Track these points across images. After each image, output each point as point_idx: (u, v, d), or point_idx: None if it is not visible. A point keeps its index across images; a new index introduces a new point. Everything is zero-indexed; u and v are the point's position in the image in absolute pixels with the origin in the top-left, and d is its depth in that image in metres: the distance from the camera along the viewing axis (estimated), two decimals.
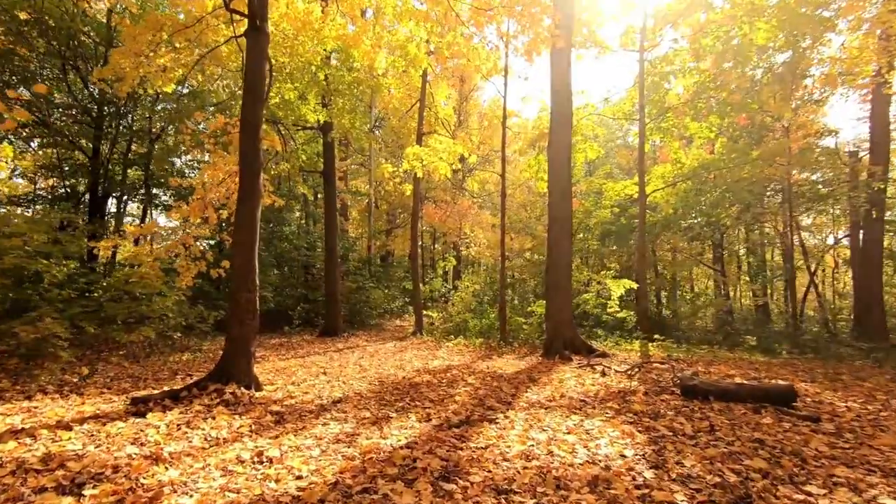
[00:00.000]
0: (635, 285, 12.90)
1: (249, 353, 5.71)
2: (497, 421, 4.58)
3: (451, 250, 25.92)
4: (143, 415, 4.51)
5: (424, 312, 15.42)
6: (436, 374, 7.46)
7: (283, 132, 14.25)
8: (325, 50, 11.10)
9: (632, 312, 12.82)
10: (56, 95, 15.63)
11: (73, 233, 9.70)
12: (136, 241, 11.27)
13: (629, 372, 7.10)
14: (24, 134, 15.59)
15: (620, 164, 26.84)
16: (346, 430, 4.31)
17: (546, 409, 5.09)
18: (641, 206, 13.56)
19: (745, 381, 5.99)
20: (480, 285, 17.25)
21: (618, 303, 13.09)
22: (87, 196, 15.54)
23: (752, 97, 12.85)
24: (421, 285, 15.21)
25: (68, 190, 17.02)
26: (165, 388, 5.68)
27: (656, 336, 11.03)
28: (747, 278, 19.12)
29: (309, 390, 6.07)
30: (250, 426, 4.33)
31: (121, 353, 8.27)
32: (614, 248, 19.31)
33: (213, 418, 4.43)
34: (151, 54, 8.36)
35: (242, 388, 5.47)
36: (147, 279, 9.01)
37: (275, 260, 16.92)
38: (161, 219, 15.31)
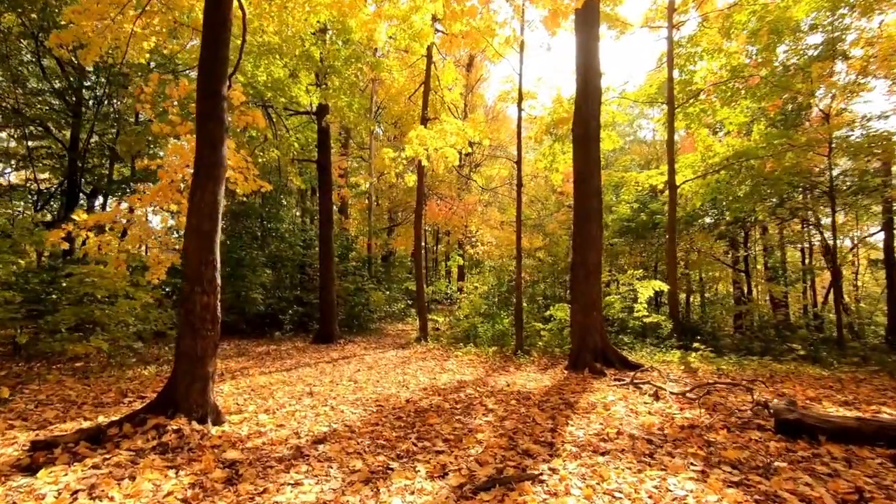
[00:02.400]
0: (665, 287, 11.52)
1: (206, 373, 4.35)
2: (543, 479, 3.21)
3: (457, 249, 24.57)
4: (35, 469, 3.15)
5: (429, 316, 14.05)
6: (447, 396, 6.09)
7: (272, 117, 12.92)
8: (318, 21, 9.79)
9: (663, 317, 11.44)
10: (29, 79, 14.36)
11: (36, 228, 8.39)
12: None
13: (688, 394, 5.72)
14: None
15: (634, 161, 25.46)
16: (325, 497, 2.94)
17: (604, 454, 3.71)
18: (671, 199, 12.19)
19: (867, 416, 4.61)
20: (489, 287, 15.88)
21: (645, 306, 11.70)
22: (67, 190, 14.28)
23: (795, 78, 11.46)
24: (425, 286, 13.85)
25: (36, 184, 15.73)
26: (85, 425, 4.29)
27: (695, 345, 9.63)
28: (763, 280, 17.63)
29: (286, 421, 4.70)
30: (187, 489, 2.97)
31: (66, 368, 6.92)
32: (636, 245, 17.93)
33: (134, 478, 3.06)
34: (119, 17, 7.07)
35: (194, 423, 4.11)
36: (107, 278, 7.68)
37: (266, 259, 15.57)
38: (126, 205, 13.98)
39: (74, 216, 6.99)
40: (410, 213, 23.77)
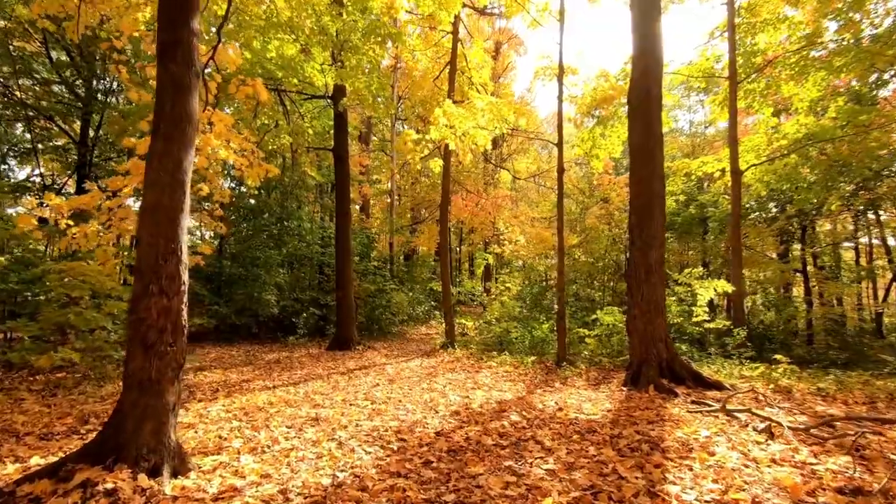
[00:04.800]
0: (730, 287, 9.94)
1: (163, 406, 3.17)
2: None
3: (482, 249, 23.24)
4: None
5: (456, 319, 12.76)
6: (487, 424, 4.78)
7: (285, 103, 11.88)
8: None
9: (727, 322, 9.87)
10: (39, 71, 13.74)
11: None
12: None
13: (812, 430, 4.27)
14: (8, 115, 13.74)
15: (668, 154, 23.65)
16: None
17: None
18: (735, 187, 10.60)
19: None
20: (521, 288, 14.51)
21: (706, 310, 10.14)
22: (76, 185, 13.60)
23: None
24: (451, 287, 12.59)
25: (42, 179, 15.12)
26: (9, 470, 3.15)
27: (776, 356, 8.05)
28: (821, 280, 15.65)
29: (275, 467, 3.48)
30: None
31: (38, 381, 5.90)
32: (681, 243, 16.29)
33: None
34: None
35: (142, 477, 2.92)
36: (89, 275, 6.67)
37: (283, 259, 14.57)
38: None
39: (46, 200, 5.99)
40: (434, 210, 22.57)
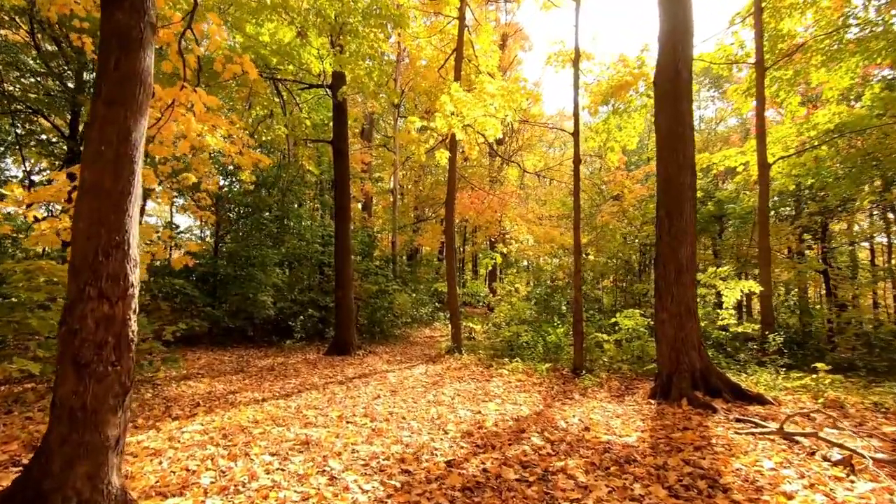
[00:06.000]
0: (757, 288, 9.20)
1: (102, 442, 2.48)
2: None
3: (487, 249, 22.53)
4: None
5: (462, 322, 12.06)
6: (505, 450, 4.08)
7: (282, 93, 11.20)
8: None
9: (755, 326, 9.15)
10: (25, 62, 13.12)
11: None
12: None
13: None
14: None
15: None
16: None
17: None
18: (763, 181, 9.87)
19: None
20: (530, 289, 13.81)
21: (732, 313, 9.42)
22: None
23: None
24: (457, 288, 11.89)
25: (28, 175, 14.48)
26: None
27: (817, 364, 7.31)
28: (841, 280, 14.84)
29: None
30: None
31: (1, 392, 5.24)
32: (697, 241, 15.52)
33: None
34: None
35: None
36: (60, 275, 6.01)
37: (281, 258, 13.89)
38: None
39: (4, 191, 5.33)
40: (438, 209, 21.88)
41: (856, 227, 16.61)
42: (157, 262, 11.14)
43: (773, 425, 4.63)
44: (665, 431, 4.68)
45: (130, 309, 2.64)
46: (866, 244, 17.40)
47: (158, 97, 4.90)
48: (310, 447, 4.09)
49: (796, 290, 14.94)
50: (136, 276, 2.69)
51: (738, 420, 5.09)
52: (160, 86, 4.92)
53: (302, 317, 12.11)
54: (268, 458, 3.74)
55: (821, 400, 5.91)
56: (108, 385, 2.51)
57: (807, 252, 15.08)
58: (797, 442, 4.17)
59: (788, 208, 15.30)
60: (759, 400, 5.92)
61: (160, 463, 3.55)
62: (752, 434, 4.48)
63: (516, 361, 8.88)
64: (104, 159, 2.60)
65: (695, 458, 3.83)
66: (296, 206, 15.70)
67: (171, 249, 14.20)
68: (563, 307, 14.61)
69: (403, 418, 5.21)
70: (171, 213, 21.59)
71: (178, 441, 4.13)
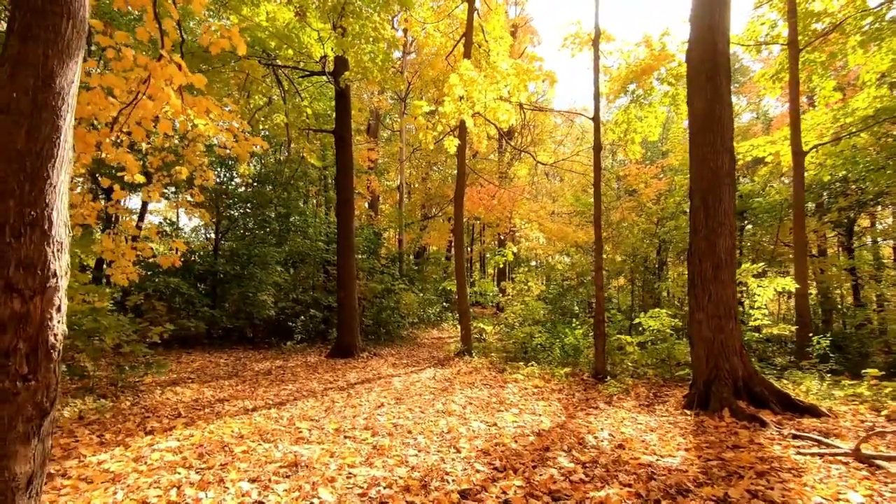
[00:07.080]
0: (793, 286, 8.46)
1: (8, 479, 1.87)
2: None
3: (495, 248, 21.87)
4: None
5: (472, 323, 11.41)
6: (529, 475, 3.44)
7: (281, 80, 10.63)
8: None
9: (792, 327, 8.42)
10: None
11: None
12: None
13: None
14: None
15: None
16: None
17: None
18: (797, 170, 9.14)
19: None
20: (545, 288, 13.13)
21: (766, 313, 8.69)
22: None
23: None
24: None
25: None
26: None
27: (868, 370, 6.57)
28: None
29: None
30: None
31: None
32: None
33: None
34: None
35: None
36: None
37: (284, 256, 13.34)
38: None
39: None
40: (445, 206, 21.25)
41: (878, 225, 15.81)
42: (144, 261, 10.63)
43: (843, 445, 3.94)
44: (713, 451, 4.01)
45: (53, 306, 2.04)
46: (885, 241, 16.53)
47: (130, 67, 4.33)
48: (298, 470, 3.47)
49: (829, 288, 14.08)
50: (61, 263, 2.08)
51: (794, 436, 4.40)
52: (135, 54, 4.35)
53: (303, 317, 11.54)
54: (246, 486, 3.12)
55: (884, 412, 5.19)
56: (18, 406, 1.90)
57: (828, 250, 14.26)
58: (879, 467, 3.48)
59: (818, 201, 14.50)
60: (812, 412, 5.21)
61: (115, 493, 2.95)
62: (820, 455, 3.80)
63: (532, 365, 8.22)
64: (18, 110, 1.99)
65: (761, 487, 3.16)
66: (300, 202, 15.17)
67: (167, 247, 13.69)
68: (576, 307, 13.94)
69: (409, 432, 4.58)
70: (178, 212, 21.13)
71: (145, 462, 3.53)
